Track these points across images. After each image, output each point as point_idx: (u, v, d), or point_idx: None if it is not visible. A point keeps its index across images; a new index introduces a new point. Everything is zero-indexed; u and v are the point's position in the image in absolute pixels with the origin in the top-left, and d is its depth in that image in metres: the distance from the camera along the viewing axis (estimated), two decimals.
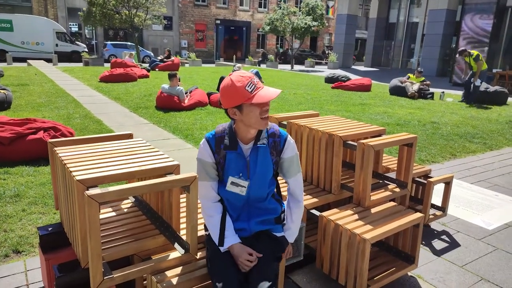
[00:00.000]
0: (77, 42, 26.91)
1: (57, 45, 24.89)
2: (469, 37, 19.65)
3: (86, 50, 25.85)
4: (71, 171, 1.84)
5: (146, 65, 19.74)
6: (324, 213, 2.57)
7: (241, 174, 1.85)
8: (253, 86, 1.71)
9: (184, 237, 1.98)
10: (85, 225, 1.68)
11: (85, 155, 2.09)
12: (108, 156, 2.10)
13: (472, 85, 11.57)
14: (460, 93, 12.28)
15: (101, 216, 2.25)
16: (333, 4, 41.22)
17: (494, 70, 18.00)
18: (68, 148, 2.19)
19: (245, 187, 1.86)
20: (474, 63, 11.41)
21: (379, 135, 3.00)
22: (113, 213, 2.32)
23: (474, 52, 11.58)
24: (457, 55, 12.17)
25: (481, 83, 11.65)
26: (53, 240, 2.17)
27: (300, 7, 27.74)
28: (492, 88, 12.00)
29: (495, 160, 5.87)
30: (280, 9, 26.36)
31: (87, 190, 1.69)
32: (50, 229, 2.23)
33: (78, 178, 1.75)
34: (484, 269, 2.91)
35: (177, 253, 1.95)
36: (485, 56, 15.79)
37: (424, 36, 24.31)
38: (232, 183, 1.86)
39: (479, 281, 2.76)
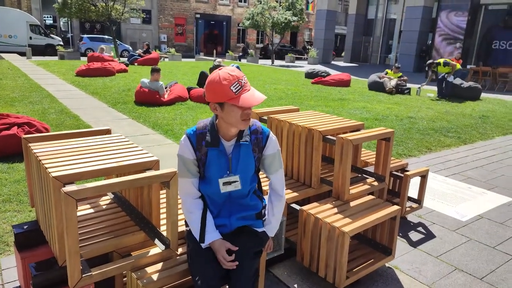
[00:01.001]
0: (52, 35, 26.09)
1: (31, 38, 24.06)
2: (444, 34, 20.13)
3: (61, 43, 25.09)
4: (46, 168, 1.79)
5: (125, 59, 19.36)
6: (304, 207, 2.60)
7: (228, 172, 1.83)
8: (239, 87, 1.66)
9: (164, 233, 1.96)
10: (62, 223, 1.65)
11: (61, 151, 2.04)
12: (85, 152, 2.06)
13: (444, 82, 11.95)
14: (436, 88, 12.64)
15: (79, 213, 2.21)
16: (312, 0, 41.38)
17: (468, 66, 18.50)
18: (43, 144, 2.14)
19: (238, 181, 1.84)
20: (447, 67, 11.88)
21: (358, 130, 3.04)
22: (92, 210, 2.28)
23: (440, 61, 12.22)
24: (426, 68, 12.78)
25: (454, 78, 12.03)
26: (29, 238, 2.12)
27: (280, 2, 27.75)
28: (466, 84, 12.36)
29: (469, 154, 6.05)
30: (260, 3, 26.28)
31: (64, 186, 1.66)
32: (25, 227, 2.18)
33: (54, 174, 1.71)
34: (458, 259, 3.01)
35: (157, 249, 1.94)
36: (460, 52, 16.21)
37: (401, 32, 24.76)
38: (224, 183, 1.83)
39: (454, 270, 2.85)
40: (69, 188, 1.59)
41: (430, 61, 12.71)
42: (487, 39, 20.01)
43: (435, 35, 20.52)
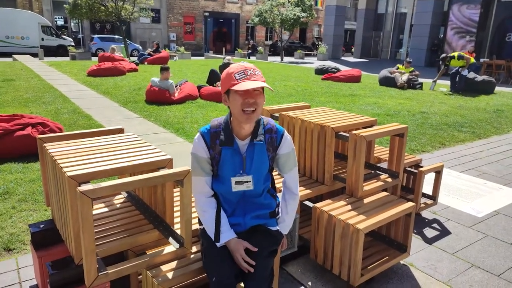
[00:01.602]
0: (63, 36, 26.42)
1: (42, 39, 24.38)
2: (456, 27, 19.82)
3: (72, 43, 25.40)
4: (62, 167, 1.81)
5: (135, 58, 19.49)
6: (318, 204, 2.58)
7: (241, 171, 1.82)
8: (243, 75, 1.68)
9: (178, 231, 1.97)
10: (78, 222, 1.66)
11: (76, 150, 2.06)
12: (99, 151, 2.08)
13: (458, 75, 11.76)
14: (449, 83, 12.46)
15: (94, 212, 2.22)
16: None
17: (481, 60, 18.19)
18: (58, 144, 2.16)
19: (251, 181, 1.83)
20: (461, 61, 11.69)
21: (371, 126, 3.01)
22: (106, 209, 2.30)
23: (454, 54, 11.99)
24: (440, 62, 12.57)
25: (468, 72, 11.83)
26: (45, 237, 2.15)
27: None
28: (479, 78, 12.15)
29: (484, 149, 5.95)
30: (269, 0, 26.18)
31: (79, 186, 1.67)
32: (41, 226, 2.21)
33: (69, 174, 1.72)
34: (474, 256, 2.96)
35: (171, 247, 1.95)
36: (473, 45, 15.94)
37: (412, 26, 24.42)
38: (237, 182, 1.82)
39: (470, 267, 2.81)
40: (85, 187, 1.60)
41: (444, 55, 12.53)
42: (500, 32, 19.63)
43: (447, 29, 20.23)
